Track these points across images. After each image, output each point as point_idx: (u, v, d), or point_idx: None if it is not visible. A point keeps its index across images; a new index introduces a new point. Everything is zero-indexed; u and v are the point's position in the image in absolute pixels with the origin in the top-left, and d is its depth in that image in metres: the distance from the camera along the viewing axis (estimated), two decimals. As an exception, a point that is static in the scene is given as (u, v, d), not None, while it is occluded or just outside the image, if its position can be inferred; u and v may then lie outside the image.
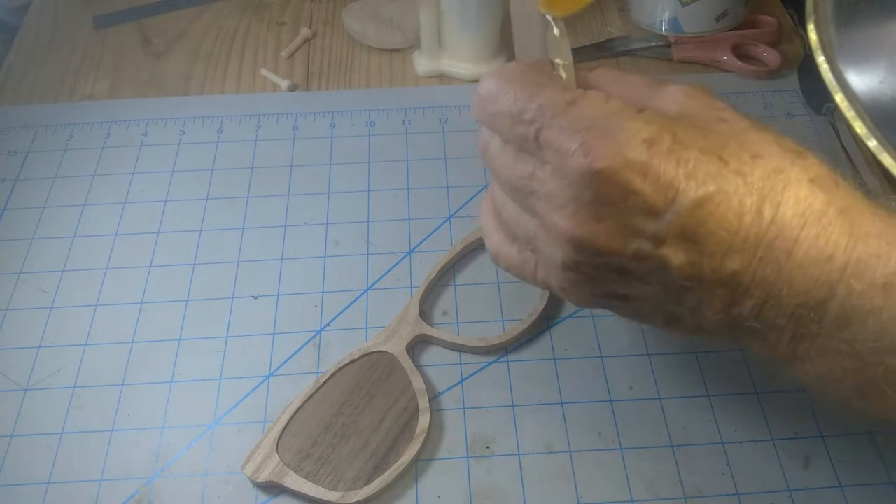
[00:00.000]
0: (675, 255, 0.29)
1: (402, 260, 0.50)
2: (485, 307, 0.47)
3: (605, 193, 0.28)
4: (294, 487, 0.39)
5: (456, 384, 0.44)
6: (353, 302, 0.48)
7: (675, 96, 0.32)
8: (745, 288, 0.29)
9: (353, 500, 0.39)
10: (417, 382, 0.42)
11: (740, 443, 0.41)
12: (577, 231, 0.30)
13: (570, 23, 0.38)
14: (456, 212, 0.52)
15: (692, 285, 0.30)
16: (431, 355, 0.45)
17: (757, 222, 0.28)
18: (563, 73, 0.34)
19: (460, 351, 0.45)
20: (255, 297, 0.48)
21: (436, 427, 0.42)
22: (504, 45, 0.62)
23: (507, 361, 0.45)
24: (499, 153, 0.34)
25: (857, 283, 0.27)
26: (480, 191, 0.53)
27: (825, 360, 0.29)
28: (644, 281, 0.31)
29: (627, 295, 0.32)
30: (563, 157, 0.29)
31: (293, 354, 0.45)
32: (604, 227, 0.29)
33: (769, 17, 0.64)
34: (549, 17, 0.33)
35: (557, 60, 0.34)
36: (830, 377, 0.30)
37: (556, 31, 0.34)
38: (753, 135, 0.30)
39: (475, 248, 0.50)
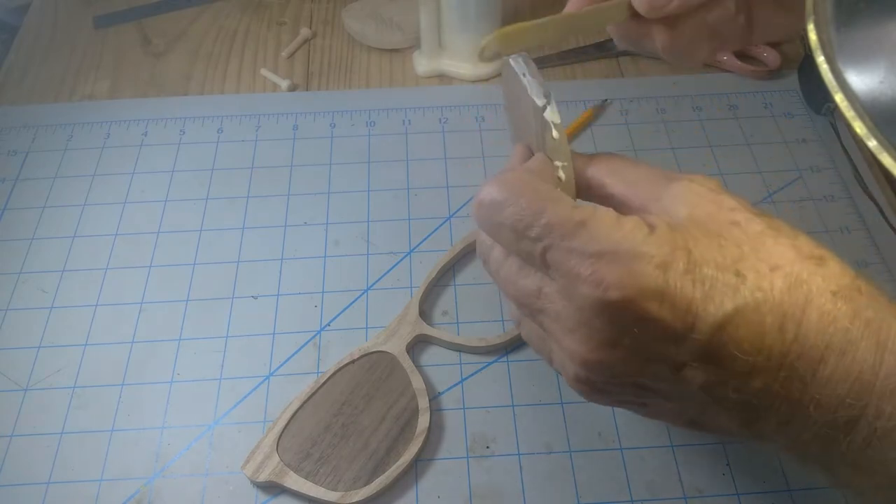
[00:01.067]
0: (696, 377, 0.28)
1: (402, 260, 0.50)
2: (485, 307, 0.47)
3: (620, 322, 0.27)
4: (294, 487, 0.39)
5: (456, 384, 0.44)
6: (353, 302, 0.48)
7: (683, 196, 0.30)
8: (769, 405, 0.28)
9: (353, 500, 0.39)
10: (417, 382, 0.42)
11: (740, 443, 0.41)
12: (589, 356, 0.28)
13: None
14: (456, 212, 0.52)
15: (714, 401, 0.29)
16: (431, 355, 0.45)
17: (779, 341, 0.26)
18: (562, 175, 0.32)
19: (460, 351, 0.45)
20: (255, 297, 0.48)
21: (436, 427, 0.42)
22: (504, 45, 0.62)
23: (507, 361, 0.45)
24: (501, 264, 0.32)
25: (888, 404, 0.26)
26: (480, 191, 0.53)
27: (857, 474, 0.28)
28: (663, 396, 0.30)
29: (646, 403, 0.31)
30: (573, 282, 0.28)
31: (293, 354, 0.45)
32: (618, 353, 0.28)
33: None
34: (547, 118, 0.32)
35: (557, 162, 0.32)
36: (862, 488, 0.29)
37: (555, 133, 0.32)
38: (769, 240, 0.28)
39: (475, 248, 0.50)
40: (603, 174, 0.33)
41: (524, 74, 0.33)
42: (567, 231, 0.28)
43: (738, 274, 0.27)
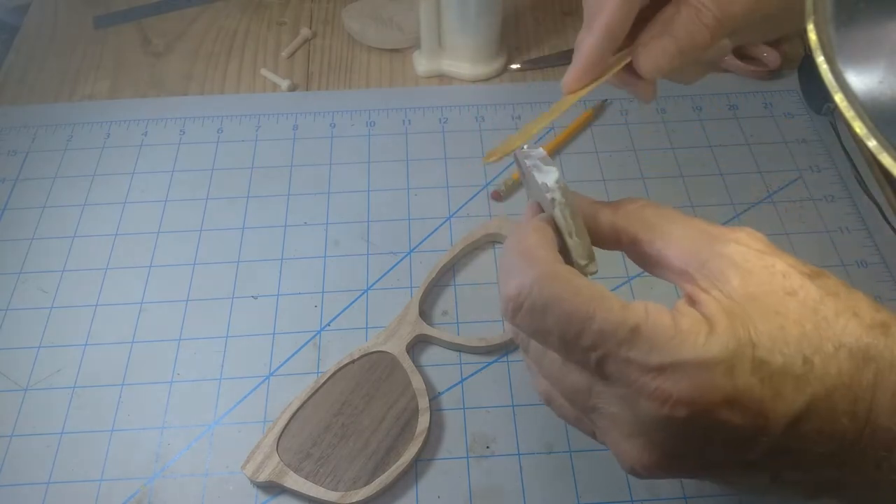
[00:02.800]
0: (765, 471, 0.27)
1: (402, 260, 0.50)
2: (485, 307, 0.47)
3: (686, 435, 0.26)
4: (294, 487, 0.39)
5: (456, 384, 0.44)
6: (353, 302, 0.48)
7: (732, 261, 0.27)
8: (839, 484, 0.27)
9: (353, 500, 0.39)
10: (417, 382, 0.42)
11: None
12: (649, 462, 0.27)
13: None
14: (456, 212, 0.52)
15: (781, 485, 0.28)
16: (431, 355, 0.45)
17: (852, 426, 0.25)
18: (573, 240, 0.30)
19: (460, 351, 0.45)
20: (255, 297, 0.48)
21: (436, 427, 0.42)
22: (503, 45, 0.62)
23: (507, 361, 0.45)
24: (543, 356, 0.30)
25: None
26: (480, 191, 0.53)
27: None
28: (727, 482, 0.29)
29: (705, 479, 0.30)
30: (635, 394, 0.26)
31: (293, 354, 0.45)
32: (682, 461, 0.27)
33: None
34: (560, 214, 0.30)
35: (567, 223, 0.30)
36: None
37: (573, 238, 0.30)
38: (829, 311, 0.26)
39: (475, 248, 0.50)
40: (636, 228, 0.30)
41: (527, 159, 0.32)
42: (621, 338, 0.26)
43: (805, 361, 0.25)
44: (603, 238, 0.31)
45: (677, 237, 0.29)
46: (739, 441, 0.26)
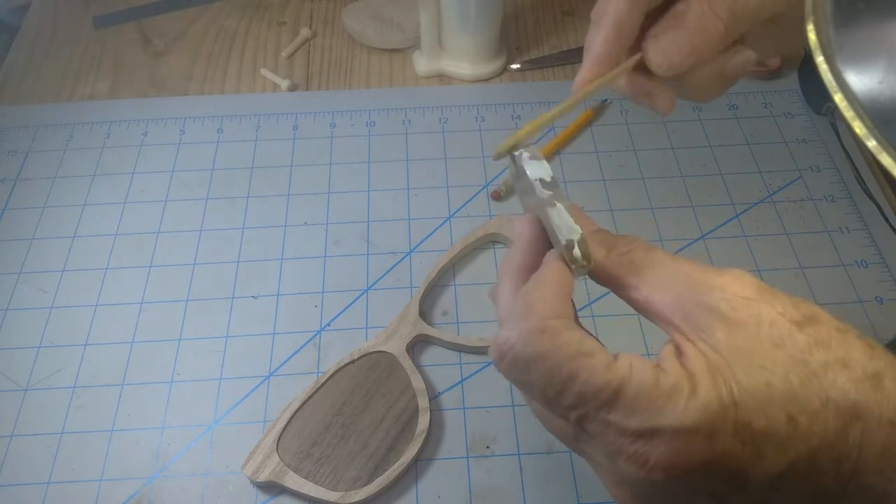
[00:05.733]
0: None
1: (402, 260, 0.50)
2: (485, 307, 0.47)
3: (667, 492, 0.26)
4: (294, 487, 0.39)
5: (456, 384, 0.44)
6: (353, 302, 0.48)
7: (718, 311, 0.26)
8: None
9: (353, 500, 0.39)
10: (417, 382, 0.42)
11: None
12: None
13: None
14: (456, 212, 0.52)
15: None
16: (431, 355, 0.45)
17: (836, 485, 0.25)
18: (577, 255, 0.29)
19: (460, 351, 0.45)
20: (255, 297, 0.48)
21: (436, 427, 0.42)
22: (503, 45, 0.62)
23: (507, 361, 0.45)
24: (531, 401, 0.30)
25: None
26: (480, 191, 0.53)
27: None
28: None
29: None
30: (614, 455, 0.26)
31: (293, 354, 0.45)
32: None
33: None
34: (578, 258, 0.29)
35: (570, 238, 0.29)
36: None
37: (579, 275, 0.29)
38: (818, 364, 0.25)
39: (475, 248, 0.50)
40: (623, 272, 0.29)
41: (525, 169, 0.31)
42: (602, 401, 0.25)
43: (789, 420, 0.24)
44: (593, 277, 0.31)
45: (663, 285, 0.28)
46: (719, 497, 0.25)
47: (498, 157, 0.31)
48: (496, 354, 0.28)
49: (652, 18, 0.33)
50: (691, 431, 0.24)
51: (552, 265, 0.29)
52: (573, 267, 0.29)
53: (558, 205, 0.29)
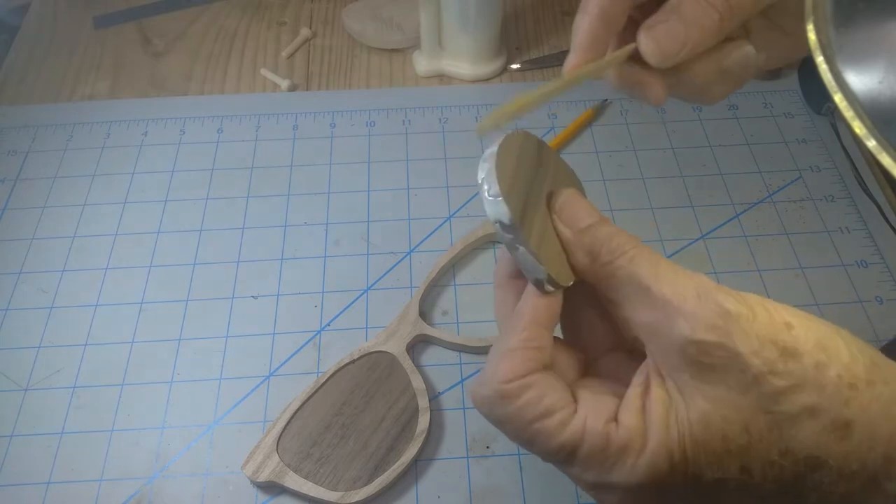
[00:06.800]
0: None
1: (402, 260, 0.50)
2: (485, 307, 0.47)
3: None
4: (294, 487, 0.39)
5: (456, 384, 0.44)
6: (353, 302, 0.48)
7: (708, 382, 0.25)
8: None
9: (353, 500, 0.39)
10: (417, 382, 0.42)
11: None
12: None
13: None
14: (456, 212, 0.52)
15: None
16: (431, 355, 0.45)
17: None
18: (550, 288, 0.29)
19: (460, 351, 0.45)
20: (255, 297, 0.48)
21: (436, 427, 0.42)
22: (503, 45, 0.62)
23: (507, 361, 0.45)
24: None
25: None
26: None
27: None
28: None
29: None
30: (584, 489, 0.28)
31: (293, 354, 0.45)
32: None
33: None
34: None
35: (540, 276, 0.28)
36: None
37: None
38: (783, 410, 0.24)
39: (475, 248, 0.50)
40: (606, 286, 0.29)
41: (485, 207, 0.28)
42: (561, 459, 0.28)
43: (743, 470, 0.25)
44: (597, 277, 0.29)
45: (641, 310, 0.27)
46: None
47: (482, 133, 0.29)
48: (473, 399, 0.30)
49: (647, 11, 0.33)
50: (640, 487, 0.26)
51: (528, 300, 0.29)
52: (548, 291, 0.29)
53: (520, 248, 0.28)
